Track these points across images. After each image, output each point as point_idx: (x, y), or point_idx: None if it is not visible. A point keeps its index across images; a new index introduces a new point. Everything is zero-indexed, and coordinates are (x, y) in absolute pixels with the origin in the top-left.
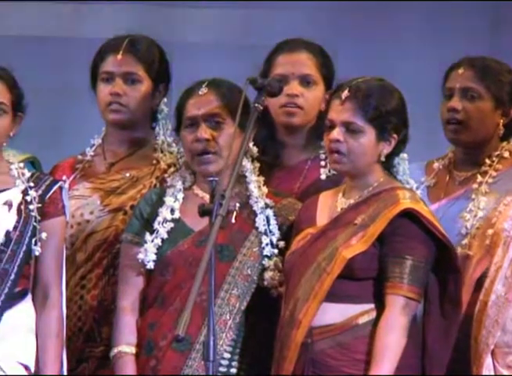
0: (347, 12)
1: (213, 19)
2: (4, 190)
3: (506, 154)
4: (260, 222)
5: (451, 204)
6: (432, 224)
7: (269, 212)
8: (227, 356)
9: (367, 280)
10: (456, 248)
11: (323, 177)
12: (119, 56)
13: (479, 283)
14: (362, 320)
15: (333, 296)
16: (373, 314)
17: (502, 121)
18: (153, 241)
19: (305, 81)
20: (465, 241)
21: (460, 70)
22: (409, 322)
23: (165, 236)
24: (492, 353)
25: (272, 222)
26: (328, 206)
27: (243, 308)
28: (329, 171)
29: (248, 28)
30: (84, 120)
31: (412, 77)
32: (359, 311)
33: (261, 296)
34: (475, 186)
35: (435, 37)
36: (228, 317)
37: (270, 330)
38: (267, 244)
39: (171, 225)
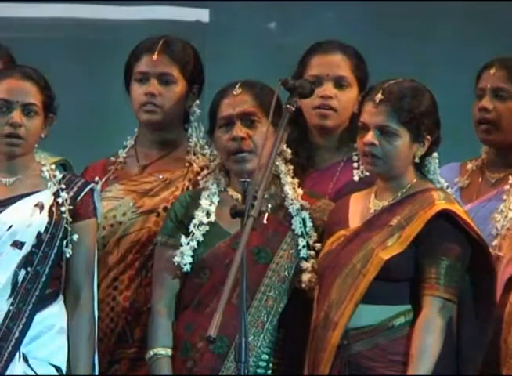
0: (380, 15)
1: (244, 20)
2: (35, 192)
3: None
4: (296, 224)
5: (482, 206)
6: (468, 224)
7: (305, 214)
8: (265, 357)
9: (403, 281)
10: None
11: (356, 178)
12: (154, 57)
13: (509, 285)
14: (398, 322)
15: (368, 298)
16: (410, 315)
17: None
18: (188, 244)
19: (339, 83)
20: (495, 242)
21: (492, 71)
22: (446, 323)
23: (201, 238)
24: None
25: (308, 224)
26: (360, 208)
27: (280, 309)
28: (362, 173)
29: (280, 28)
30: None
31: (447, 80)
32: (395, 312)
33: (297, 298)
34: (507, 187)
35: (470, 39)
36: (265, 319)
37: (307, 332)
38: (303, 246)
39: (207, 228)
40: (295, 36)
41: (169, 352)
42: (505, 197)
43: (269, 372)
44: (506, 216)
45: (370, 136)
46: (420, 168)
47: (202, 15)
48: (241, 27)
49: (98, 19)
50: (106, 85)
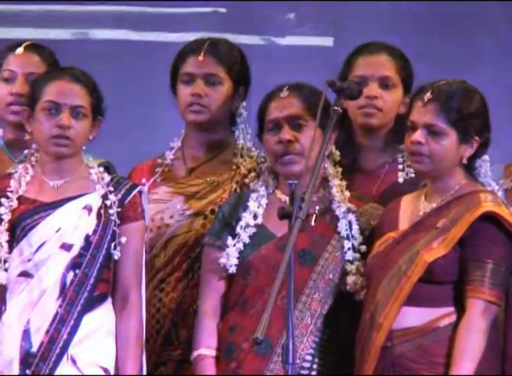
0: (423, 29)
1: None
2: (84, 195)
3: None
4: (342, 226)
5: None
6: None
7: (351, 217)
8: (308, 358)
9: (448, 283)
10: None
11: (401, 180)
12: (200, 58)
13: None
14: (442, 323)
15: (413, 299)
16: (454, 317)
17: None
18: (235, 246)
19: (384, 84)
20: None
21: None
22: (489, 325)
23: (247, 240)
24: None
25: (354, 226)
26: (410, 210)
27: (324, 312)
28: (407, 175)
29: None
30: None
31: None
32: (440, 314)
33: (343, 300)
34: None
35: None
36: (309, 321)
37: (351, 334)
38: (349, 249)
39: (253, 230)
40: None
41: (214, 352)
42: None
43: (313, 373)
44: None
45: (418, 135)
46: (471, 170)
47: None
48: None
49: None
50: (149, 88)
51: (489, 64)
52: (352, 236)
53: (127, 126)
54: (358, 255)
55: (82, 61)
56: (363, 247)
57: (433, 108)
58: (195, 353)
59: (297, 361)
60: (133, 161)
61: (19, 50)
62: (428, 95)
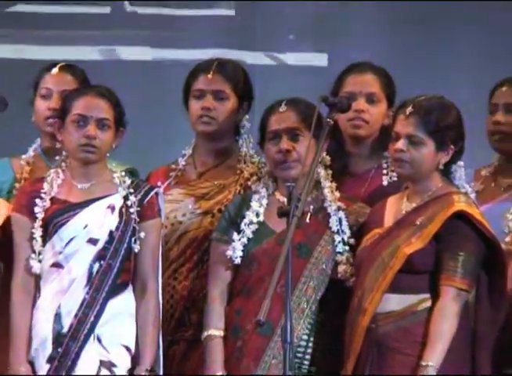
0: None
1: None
2: (107, 196)
3: None
4: (333, 222)
5: (496, 207)
6: (482, 225)
7: (341, 214)
8: (305, 338)
9: (424, 273)
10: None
11: (385, 183)
12: (209, 76)
13: None
14: (419, 308)
15: (394, 287)
16: (429, 302)
17: None
18: (240, 240)
19: (371, 99)
20: (507, 239)
21: (504, 88)
22: (460, 310)
23: (250, 235)
24: None
25: (344, 222)
26: (394, 209)
27: (318, 298)
28: (391, 178)
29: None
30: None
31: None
32: (417, 300)
33: (336, 287)
34: None
35: (492, 55)
36: (305, 306)
37: (342, 317)
38: (339, 242)
39: (256, 226)
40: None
41: (221, 333)
42: None
43: (308, 351)
44: None
45: (400, 144)
46: (447, 174)
47: None
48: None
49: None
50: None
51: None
52: (342, 231)
53: (147, 136)
54: (347, 248)
55: (110, 80)
56: (352, 241)
57: (413, 121)
58: (205, 334)
59: (295, 340)
60: (151, 167)
61: (55, 70)
62: (410, 109)
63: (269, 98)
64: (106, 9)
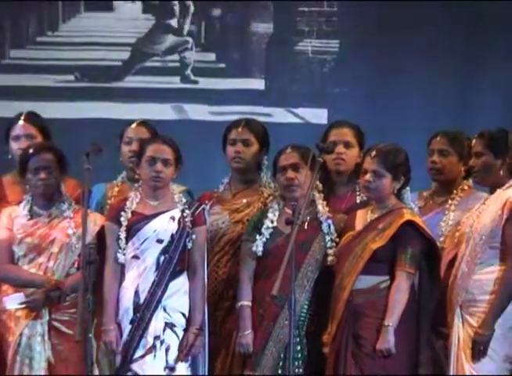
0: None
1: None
2: (170, 210)
3: (466, 187)
4: (324, 227)
5: (433, 217)
6: (424, 230)
7: (329, 221)
8: (305, 307)
9: (385, 262)
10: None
11: (358, 201)
12: (239, 129)
13: (450, 265)
14: (382, 286)
15: (364, 271)
16: (388, 282)
17: (463, 168)
18: (261, 240)
19: (347, 145)
20: (441, 239)
21: (438, 138)
22: (409, 287)
23: (268, 236)
24: (461, 306)
25: (332, 227)
26: (362, 218)
27: (314, 277)
28: (362, 198)
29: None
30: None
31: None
32: (380, 280)
33: (326, 270)
34: (447, 206)
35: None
36: (305, 283)
37: (329, 293)
38: (328, 240)
39: (271, 230)
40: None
41: (250, 304)
42: (446, 212)
43: (308, 316)
44: (447, 223)
45: (368, 176)
46: (399, 196)
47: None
48: None
49: None
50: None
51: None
52: (330, 233)
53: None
54: (334, 244)
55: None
56: (337, 240)
57: (376, 160)
58: (238, 304)
59: (299, 308)
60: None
61: (134, 125)
62: (374, 153)
63: (279, 145)
64: (176, 80)
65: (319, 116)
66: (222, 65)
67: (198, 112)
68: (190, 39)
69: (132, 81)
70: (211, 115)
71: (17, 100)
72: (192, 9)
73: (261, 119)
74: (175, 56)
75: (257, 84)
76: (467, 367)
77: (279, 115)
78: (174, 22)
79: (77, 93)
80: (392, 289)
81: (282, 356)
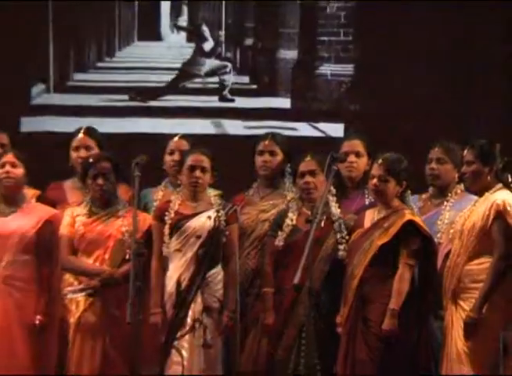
0: None
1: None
2: (207, 210)
3: (459, 191)
4: (336, 225)
5: (431, 217)
6: (423, 228)
7: (341, 221)
8: (320, 292)
9: (389, 255)
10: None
11: (367, 203)
12: (266, 142)
13: (445, 258)
14: (387, 276)
15: (371, 264)
16: (393, 272)
17: (457, 175)
18: (282, 236)
19: (357, 155)
20: (438, 235)
21: (436, 149)
22: (410, 276)
23: (288, 232)
24: (454, 292)
25: (343, 225)
26: (370, 217)
27: (327, 269)
28: (370, 200)
29: None
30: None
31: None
32: (385, 271)
33: (338, 263)
34: (443, 207)
35: None
36: (320, 273)
37: (340, 281)
38: (340, 237)
39: (291, 227)
40: None
41: (272, 290)
42: (442, 212)
43: (322, 298)
44: (443, 222)
45: (375, 181)
46: (402, 198)
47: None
48: None
49: None
50: None
51: None
52: (342, 231)
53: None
54: (344, 240)
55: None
56: (347, 237)
57: (382, 168)
58: (264, 290)
59: (316, 293)
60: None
61: (176, 138)
62: (380, 161)
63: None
64: (215, 99)
65: (336, 130)
66: (254, 86)
67: (234, 127)
68: (229, 64)
69: (177, 100)
70: (245, 129)
71: (78, 117)
72: (223, 37)
73: (287, 132)
74: (215, 79)
75: (284, 102)
76: (460, 345)
77: (303, 129)
78: (208, 46)
79: (130, 111)
80: (396, 278)
81: (302, 334)
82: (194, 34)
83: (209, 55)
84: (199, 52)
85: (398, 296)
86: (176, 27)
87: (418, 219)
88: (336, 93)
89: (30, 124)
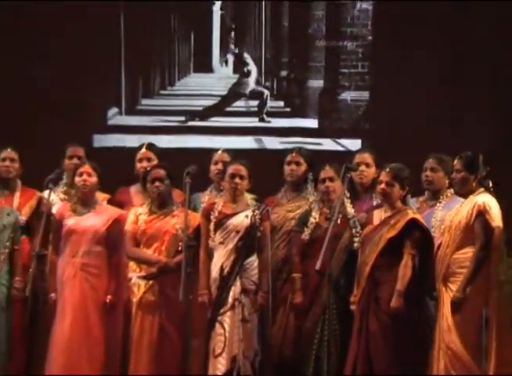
0: None
1: None
2: (244, 210)
3: (449, 194)
4: (351, 222)
5: (426, 216)
6: (423, 224)
7: (355, 218)
8: (339, 278)
9: (396, 247)
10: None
11: (375, 204)
12: (294, 155)
13: (437, 249)
14: (393, 263)
15: (381, 253)
16: (399, 261)
17: (448, 181)
18: (307, 231)
19: (367, 165)
20: (432, 230)
21: (430, 160)
22: (412, 264)
23: (312, 229)
24: (444, 277)
25: (356, 223)
26: (378, 216)
27: (344, 258)
28: (377, 202)
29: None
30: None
31: None
32: (392, 259)
33: (353, 253)
34: (436, 207)
35: None
36: (339, 262)
37: (354, 267)
38: (355, 232)
39: (314, 224)
40: None
41: (300, 275)
42: (435, 212)
43: (341, 283)
44: (436, 220)
45: (382, 185)
46: (403, 201)
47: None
48: None
49: None
50: None
51: None
52: (356, 227)
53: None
54: (358, 234)
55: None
56: (360, 231)
57: (389, 174)
58: (293, 275)
59: (333, 279)
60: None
61: (219, 151)
62: (387, 170)
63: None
64: (255, 120)
65: (355, 144)
66: (288, 109)
67: (271, 142)
68: (266, 91)
69: (224, 121)
70: (280, 144)
71: (144, 134)
72: (255, 71)
73: (314, 147)
74: (256, 102)
75: (312, 122)
76: (449, 319)
77: (327, 144)
78: (249, 68)
79: (185, 130)
80: (401, 265)
81: (325, 311)
82: (240, 60)
83: (249, 75)
84: (243, 75)
85: (402, 279)
86: (233, 53)
87: (419, 217)
88: (354, 115)
89: (101, 141)
